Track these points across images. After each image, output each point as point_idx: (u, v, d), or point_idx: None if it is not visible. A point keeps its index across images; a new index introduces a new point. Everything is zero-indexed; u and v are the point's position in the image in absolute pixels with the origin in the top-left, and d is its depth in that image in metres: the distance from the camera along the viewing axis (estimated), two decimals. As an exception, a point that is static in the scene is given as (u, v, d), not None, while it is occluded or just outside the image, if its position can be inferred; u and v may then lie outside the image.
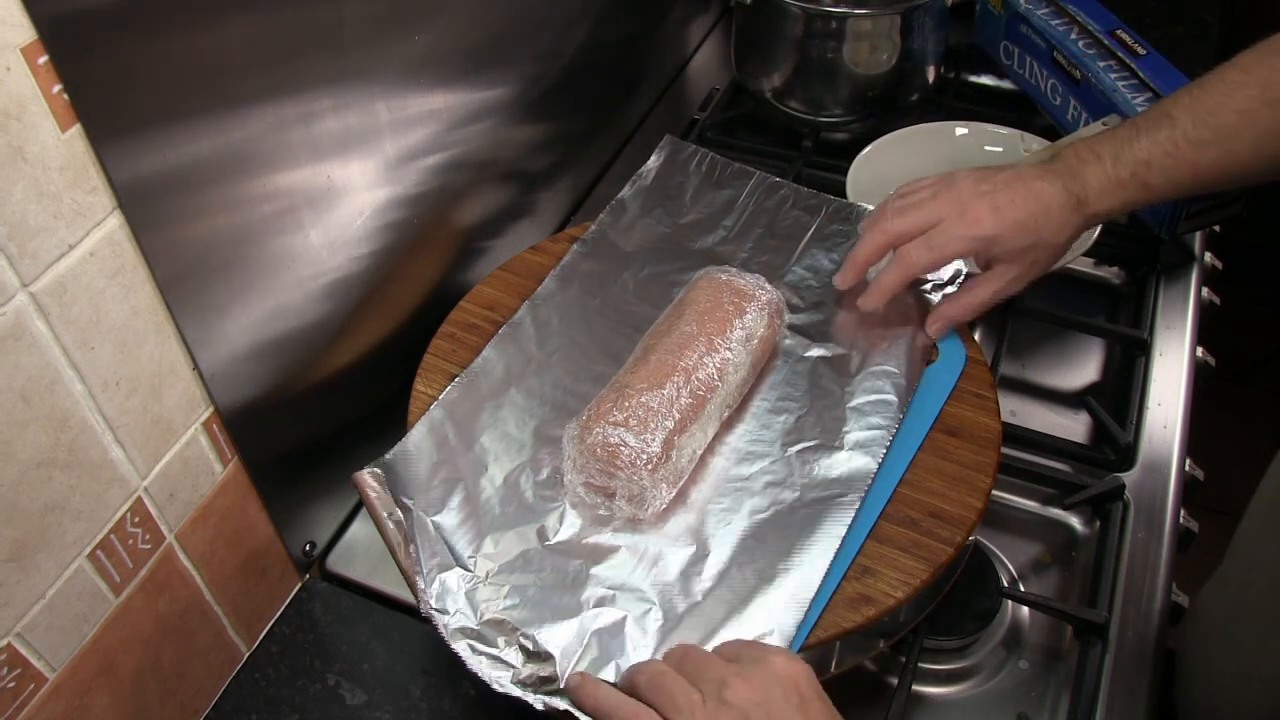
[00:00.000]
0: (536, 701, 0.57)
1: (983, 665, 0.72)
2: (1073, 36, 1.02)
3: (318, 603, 0.76)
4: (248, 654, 0.73)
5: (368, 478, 0.65)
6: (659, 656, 0.58)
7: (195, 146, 0.56)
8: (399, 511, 0.64)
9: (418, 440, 0.69)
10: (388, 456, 0.67)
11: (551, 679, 0.57)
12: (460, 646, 0.59)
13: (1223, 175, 0.69)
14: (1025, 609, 0.74)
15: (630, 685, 0.55)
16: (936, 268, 0.75)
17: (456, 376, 0.73)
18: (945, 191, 0.72)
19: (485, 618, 0.60)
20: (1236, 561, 0.73)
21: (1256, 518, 0.69)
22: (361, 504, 0.81)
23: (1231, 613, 0.70)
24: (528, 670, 0.58)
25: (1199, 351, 0.91)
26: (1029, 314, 0.91)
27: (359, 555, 0.78)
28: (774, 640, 0.59)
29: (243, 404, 0.65)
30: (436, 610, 0.60)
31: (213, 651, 0.70)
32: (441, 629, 0.59)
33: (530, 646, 0.58)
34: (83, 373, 0.53)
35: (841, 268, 0.77)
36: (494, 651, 0.59)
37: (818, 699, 0.53)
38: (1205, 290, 0.96)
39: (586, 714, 0.55)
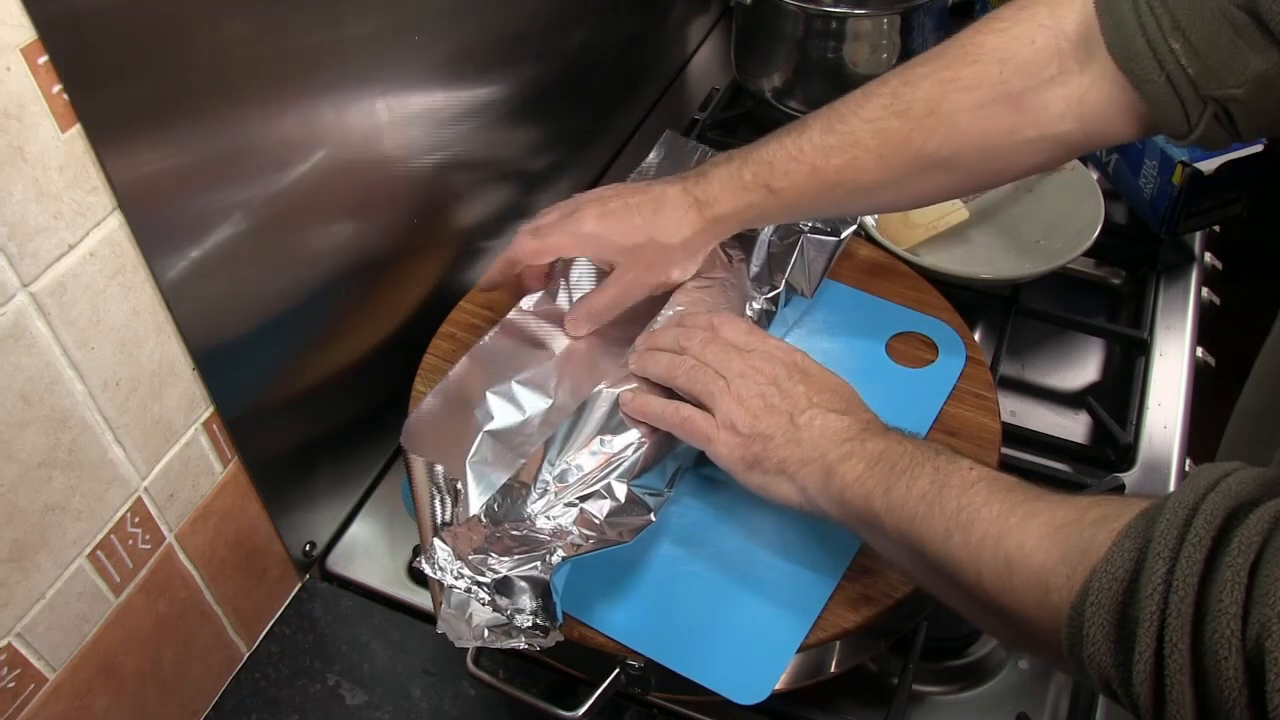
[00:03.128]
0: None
1: (983, 665, 0.72)
2: (1073, 36, 1.02)
3: (318, 603, 0.76)
4: (248, 654, 0.73)
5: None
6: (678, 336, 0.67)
7: (195, 146, 0.56)
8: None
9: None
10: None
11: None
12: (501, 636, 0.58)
13: (853, 186, 0.67)
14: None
15: (667, 378, 0.65)
16: (540, 257, 0.72)
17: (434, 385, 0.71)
18: (568, 203, 0.73)
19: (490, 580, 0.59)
20: None
21: None
22: (361, 504, 0.81)
23: None
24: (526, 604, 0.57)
25: (1199, 351, 0.91)
26: (1029, 314, 0.91)
27: (359, 555, 0.78)
28: None
29: (243, 404, 0.65)
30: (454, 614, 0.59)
31: (213, 651, 0.70)
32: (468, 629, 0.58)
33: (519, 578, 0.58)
34: (83, 373, 0.53)
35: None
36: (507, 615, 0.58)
37: (819, 372, 0.63)
38: (1205, 290, 0.96)
39: (640, 419, 0.65)
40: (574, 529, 0.60)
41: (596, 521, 0.61)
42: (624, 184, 0.75)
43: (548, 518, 0.61)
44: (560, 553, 0.58)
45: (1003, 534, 0.49)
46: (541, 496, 0.62)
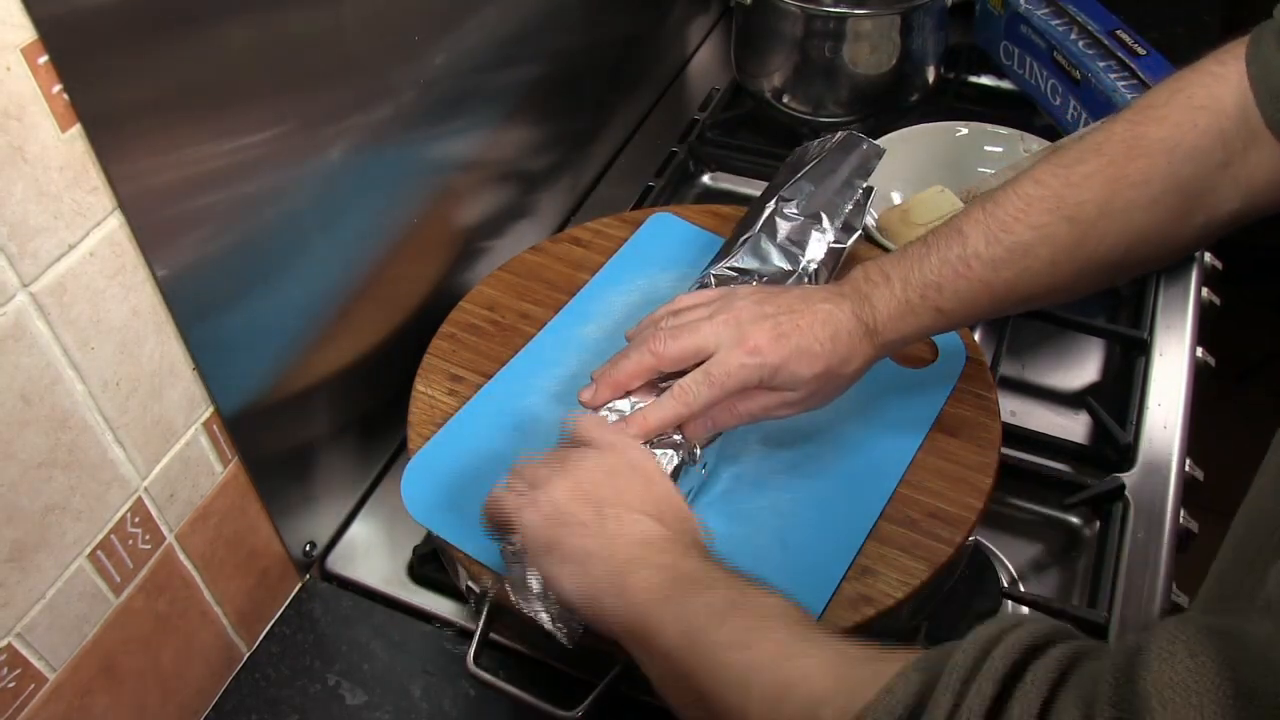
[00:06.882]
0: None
1: (983, 665, 0.72)
2: (1073, 36, 1.02)
3: (318, 603, 0.76)
4: (248, 654, 0.73)
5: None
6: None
7: (195, 146, 0.56)
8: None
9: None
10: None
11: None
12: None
13: (1021, 296, 0.63)
14: (1025, 609, 0.74)
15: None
16: (717, 403, 0.64)
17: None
18: (723, 312, 0.64)
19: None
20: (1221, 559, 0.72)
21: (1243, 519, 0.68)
22: (361, 504, 0.81)
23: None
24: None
25: (1199, 351, 0.91)
26: (1029, 314, 0.91)
27: (359, 555, 0.78)
28: None
29: (243, 404, 0.65)
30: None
31: (213, 651, 0.70)
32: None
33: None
34: (83, 373, 0.53)
35: (597, 383, 0.66)
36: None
37: (661, 481, 0.60)
38: (1205, 290, 0.96)
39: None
40: None
41: None
42: (769, 290, 0.68)
43: None
44: None
45: (787, 656, 0.46)
46: None
